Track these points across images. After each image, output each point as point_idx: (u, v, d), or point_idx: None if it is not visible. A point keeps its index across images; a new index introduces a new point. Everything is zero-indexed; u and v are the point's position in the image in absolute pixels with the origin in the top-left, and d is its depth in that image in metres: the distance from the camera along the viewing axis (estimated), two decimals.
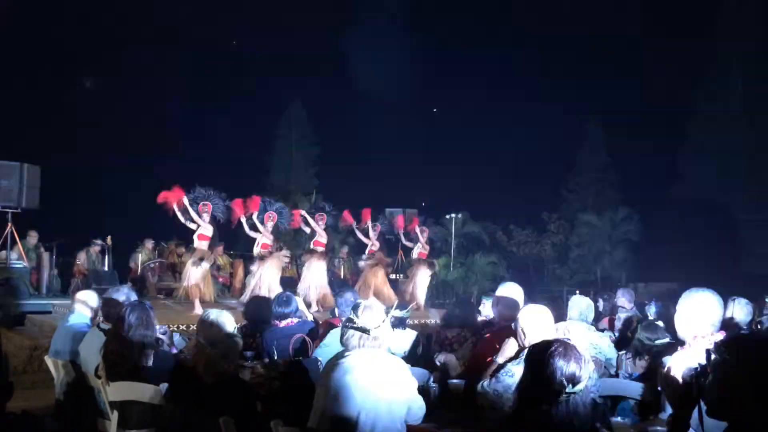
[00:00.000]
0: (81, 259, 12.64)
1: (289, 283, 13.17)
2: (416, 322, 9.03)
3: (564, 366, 2.18)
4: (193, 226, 9.81)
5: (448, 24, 30.11)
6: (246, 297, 9.75)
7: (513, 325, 3.79)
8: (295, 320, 5.26)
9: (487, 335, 4.44)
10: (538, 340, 3.20)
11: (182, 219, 9.81)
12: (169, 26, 24.95)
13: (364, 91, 26.16)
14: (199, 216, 9.69)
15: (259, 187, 22.74)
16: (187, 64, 26.39)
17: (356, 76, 25.69)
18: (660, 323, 4.88)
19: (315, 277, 10.89)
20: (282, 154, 23.86)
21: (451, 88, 29.79)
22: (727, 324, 3.59)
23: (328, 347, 4.56)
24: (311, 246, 11.35)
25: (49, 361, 4.58)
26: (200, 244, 9.70)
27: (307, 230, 11.62)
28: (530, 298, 6.66)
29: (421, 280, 12.09)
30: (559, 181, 24.23)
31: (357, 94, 26.40)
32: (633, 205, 19.72)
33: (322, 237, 11.23)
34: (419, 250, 12.38)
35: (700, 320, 2.95)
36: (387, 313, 3.30)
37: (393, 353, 3.42)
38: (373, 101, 26.86)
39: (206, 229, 9.72)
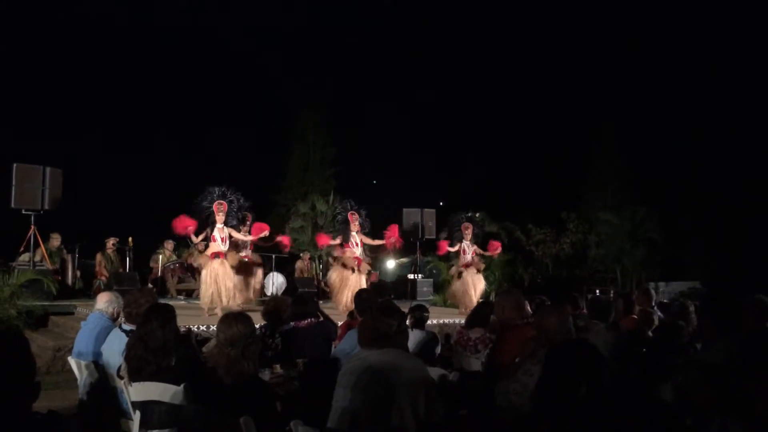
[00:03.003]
0: (98, 260, 12.74)
1: (308, 283, 13.26)
2: (434, 322, 9.02)
3: (583, 367, 2.17)
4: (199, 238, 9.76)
5: (458, 30, 30.13)
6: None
7: (527, 323, 3.79)
8: (314, 320, 5.29)
9: (506, 335, 4.44)
10: (556, 340, 3.19)
11: (195, 239, 9.70)
12: (189, 26, 25.17)
13: (381, 92, 26.21)
14: (213, 221, 9.62)
15: (276, 189, 22.92)
16: (203, 65, 26.61)
17: (373, 77, 25.74)
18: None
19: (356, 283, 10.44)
20: (299, 156, 23.90)
21: (467, 88, 29.76)
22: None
23: (347, 347, 4.58)
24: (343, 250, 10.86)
25: (72, 361, 4.63)
26: (213, 246, 9.64)
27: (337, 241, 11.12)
28: (549, 298, 6.65)
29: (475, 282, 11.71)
30: (578, 179, 24.04)
31: (374, 94, 26.46)
32: (653, 203, 19.49)
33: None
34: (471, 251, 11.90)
35: None
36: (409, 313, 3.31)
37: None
38: (391, 102, 26.90)
39: (221, 231, 9.66)
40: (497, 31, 28.84)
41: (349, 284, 10.41)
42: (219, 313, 9.21)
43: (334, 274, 10.75)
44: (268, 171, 24.19)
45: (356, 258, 10.64)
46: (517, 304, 4.59)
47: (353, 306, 5.68)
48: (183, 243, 13.95)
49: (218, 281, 9.39)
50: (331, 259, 12.50)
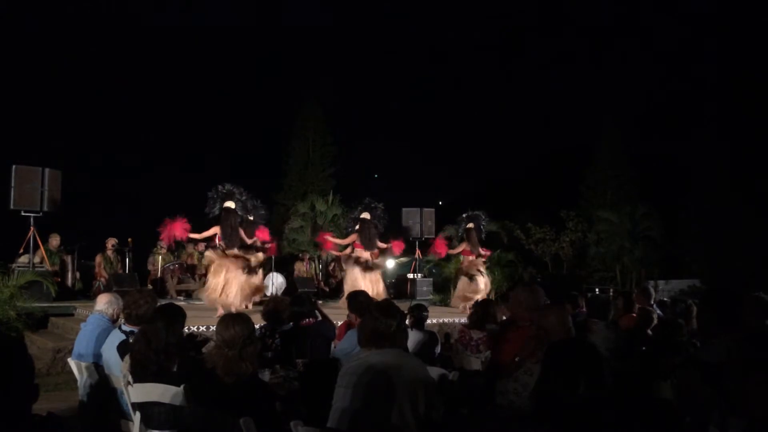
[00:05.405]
0: (98, 261, 12.70)
1: (308, 283, 13.26)
2: (434, 321, 9.02)
3: (582, 365, 2.17)
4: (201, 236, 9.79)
5: (458, 29, 30.14)
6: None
7: (532, 324, 3.79)
8: (312, 320, 5.28)
9: (507, 334, 4.43)
10: (556, 340, 3.19)
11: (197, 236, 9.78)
12: (188, 26, 25.17)
13: (381, 91, 26.18)
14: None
15: (276, 188, 22.94)
16: (203, 64, 26.60)
17: (373, 76, 25.70)
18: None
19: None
20: (299, 154, 23.91)
21: (467, 87, 29.78)
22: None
23: (346, 347, 4.58)
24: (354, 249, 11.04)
25: (72, 363, 4.63)
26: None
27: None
28: (549, 296, 6.64)
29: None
30: (577, 177, 24.04)
31: (374, 93, 26.44)
32: (653, 201, 19.49)
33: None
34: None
35: None
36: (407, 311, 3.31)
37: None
38: (391, 101, 26.87)
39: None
40: (497, 31, 28.86)
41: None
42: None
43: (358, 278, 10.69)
44: (268, 170, 24.23)
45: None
46: (533, 304, 4.28)
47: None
48: (181, 243, 13.92)
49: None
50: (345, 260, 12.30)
